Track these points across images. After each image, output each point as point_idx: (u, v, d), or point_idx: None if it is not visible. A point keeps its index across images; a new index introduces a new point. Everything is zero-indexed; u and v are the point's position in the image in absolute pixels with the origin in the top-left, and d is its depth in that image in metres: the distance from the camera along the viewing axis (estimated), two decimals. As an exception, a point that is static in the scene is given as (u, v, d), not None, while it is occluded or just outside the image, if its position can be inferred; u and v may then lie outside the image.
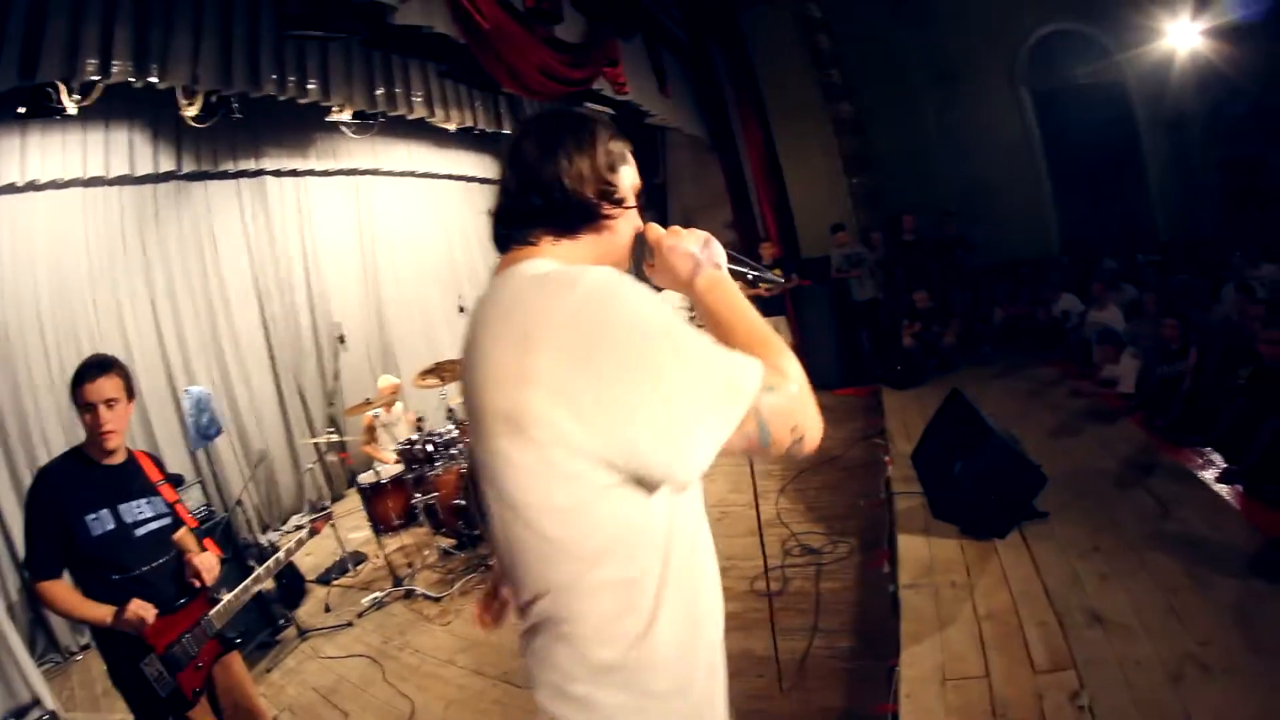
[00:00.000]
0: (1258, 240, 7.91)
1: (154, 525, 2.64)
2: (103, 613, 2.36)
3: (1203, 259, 8.06)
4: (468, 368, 1.19)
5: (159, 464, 2.83)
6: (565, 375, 1.01)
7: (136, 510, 2.60)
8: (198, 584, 2.67)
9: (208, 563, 2.71)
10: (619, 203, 1.29)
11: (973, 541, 3.66)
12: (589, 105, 8.53)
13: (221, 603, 2.76)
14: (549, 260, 1.22)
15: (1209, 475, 3.92)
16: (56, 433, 5.91)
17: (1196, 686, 2.28)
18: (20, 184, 5.80)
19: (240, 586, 2.84)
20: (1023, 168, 10.80)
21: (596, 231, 1.29)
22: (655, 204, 13.09)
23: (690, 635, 1.28)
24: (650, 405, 1.01)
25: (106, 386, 2.51)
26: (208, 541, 2.94)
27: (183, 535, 2.78)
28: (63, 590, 2.42)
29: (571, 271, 1.11)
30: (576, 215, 1.25)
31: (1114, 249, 9.18)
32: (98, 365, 2.54)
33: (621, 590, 1.14)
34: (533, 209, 1.25)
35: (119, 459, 2.65)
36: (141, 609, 2.36)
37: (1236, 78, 8.79)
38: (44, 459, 5.78)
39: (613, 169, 1.29)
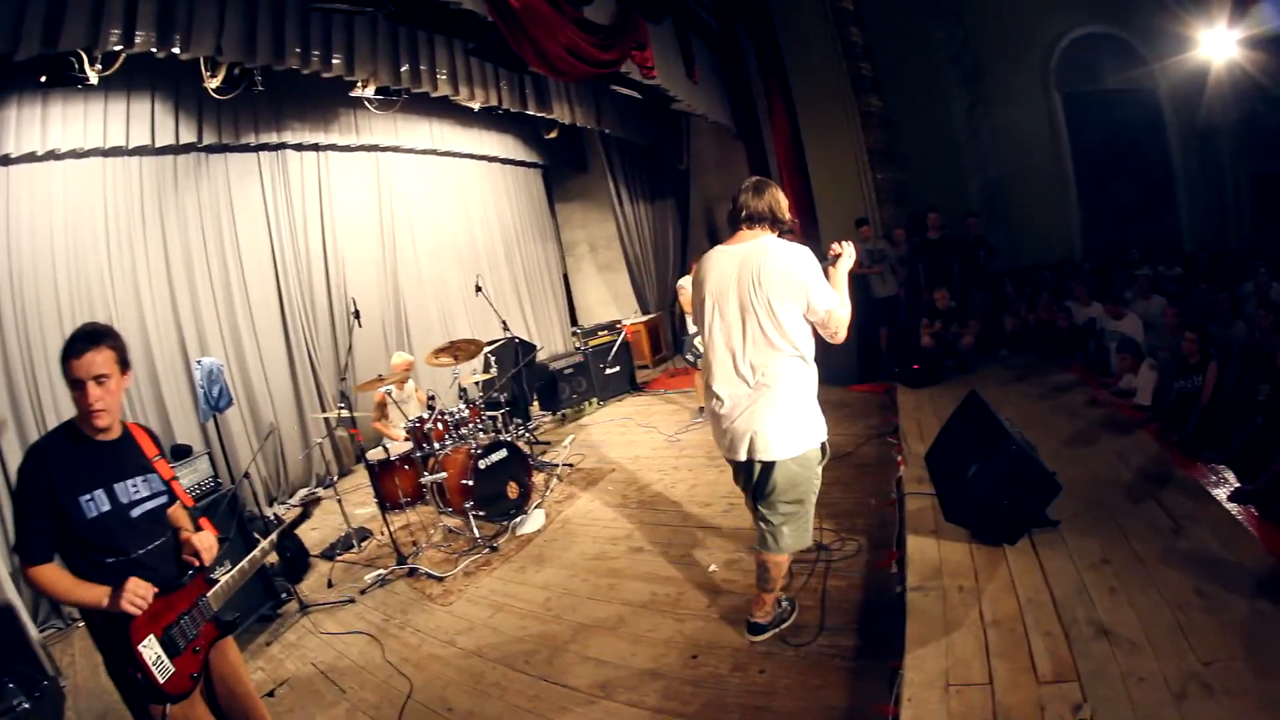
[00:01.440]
0: None
1: (150, 505, 2.50)
2: (98, 594, 2.24)
3: (1227, 273, 7.94)
4: (744, 266, 3.02)
5: (154, 438, 2.69)
6: (796, 277, 2.94)
7: (133, 489, 2.45)
8: (196, 564, 2.59)
9: (206, 542, 2.62)
10: (787, 223, 3.21)
11: (982, 546, 3.63)
12: (615, 88, 8.52)
13: (220, 583, 2.65)
14: (772, 237, 3.14)
15: (1222, 493, 3.86)
16: (68, 399, 5.95)
17: (1199, 706, 2.24)
18: (40, 153, 5.84)
19: (237, 567, 2.73)
20: (1049, 170, 10.73)
21: (781, 230, 3.19)
22: (678, 190, 13.06)
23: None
24: (812, 289, 2.96)
25: (96, 361, 2.32)
26: (204, 521, 2.85)
27: (176, 512, 2.69)
28: (55, 573, 2.27)
29: (790, 243, 3.06)
30: (778, 223, 3.18)
31: (1138, 258, 9.07)
32: (86, 337, 2.35)
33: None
34: (767, 216, 3.15)
35: (114, 434, 2.49)
36: (140, 588, 2.27)
37: (1273, 89, 8.62)
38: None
39: (784, 206, 3.21)
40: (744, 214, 3.16)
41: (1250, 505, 3.65)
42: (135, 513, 2.44)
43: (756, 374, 3.03)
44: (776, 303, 2.95)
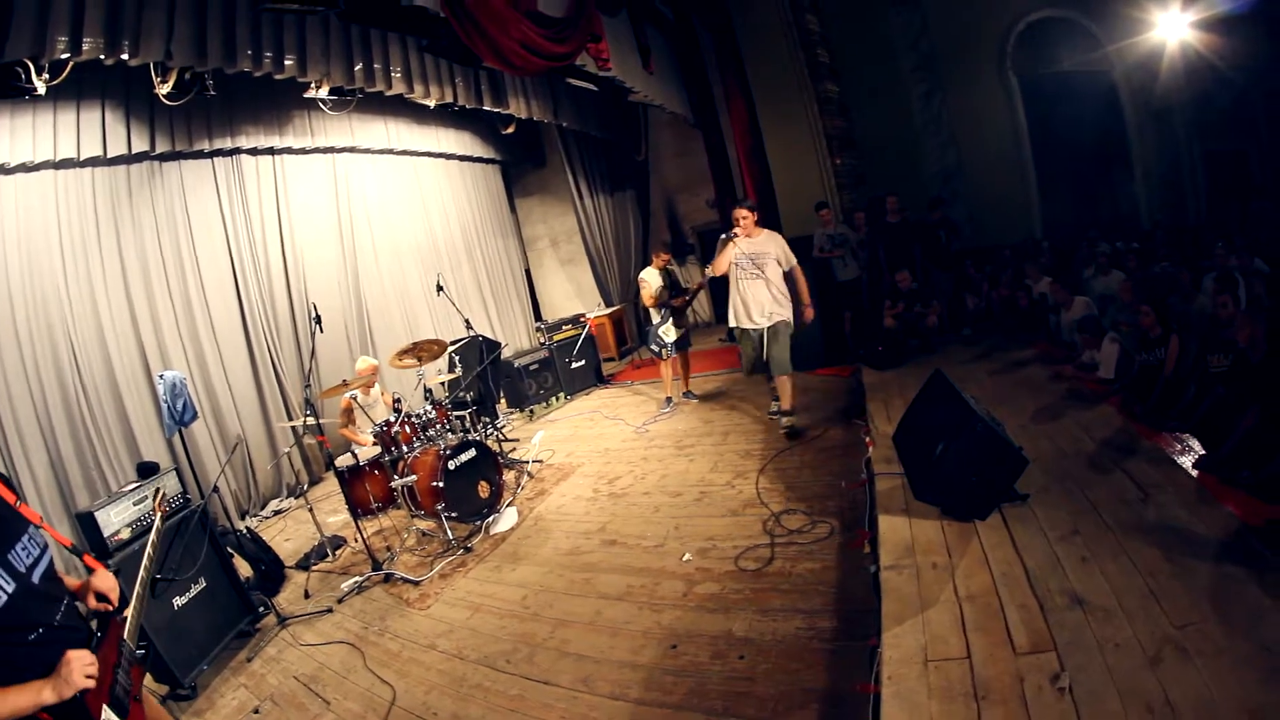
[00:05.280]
0: (1240, 233, 7.98)
1: (44, 562, 2.07)
2: (34, 692, 1.84)
3: (1184, 248, 8.11)
4: (764, 244, 6.17)
5: (6, 482, 2.19)
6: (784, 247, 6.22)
7: (24, 553, 2.01)
8: (108, 608, 2.25)
9: (108, 582, 2.28)
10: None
11: (953, 523, 3.66)
12: (571, 81, 8.48)
13: (129, 620, 2.32)
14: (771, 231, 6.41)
15: (1187, 461, 3.93)
16: (29, 417, 5.82)
17: (1175, 669, 2.27)
18: (-11, 168, 5.69)
19: (135, 596, 2.41)
20: (1008, 152, 10.88)
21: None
22: (638, 182, 13.07)
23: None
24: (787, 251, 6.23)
25: None
26: (88, 558, 2.48)
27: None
28: None
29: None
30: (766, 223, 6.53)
31: (1096, 235, 9.22)
32: None
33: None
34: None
35: None
36: (83, 657, 1.94)
37: (1225, 70, 8.82)
38: (16, 445, 5.70)
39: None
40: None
41: (1215, 472, 3.71)
42: (35, 578, 2.02)
43: None
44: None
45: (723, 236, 6.27)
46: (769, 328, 6.20)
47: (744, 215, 6.14)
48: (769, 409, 6.84)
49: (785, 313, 6.23)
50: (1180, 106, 9.73)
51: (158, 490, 3.56)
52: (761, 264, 6.13)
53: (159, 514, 2.97)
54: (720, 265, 6.25)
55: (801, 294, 6.35)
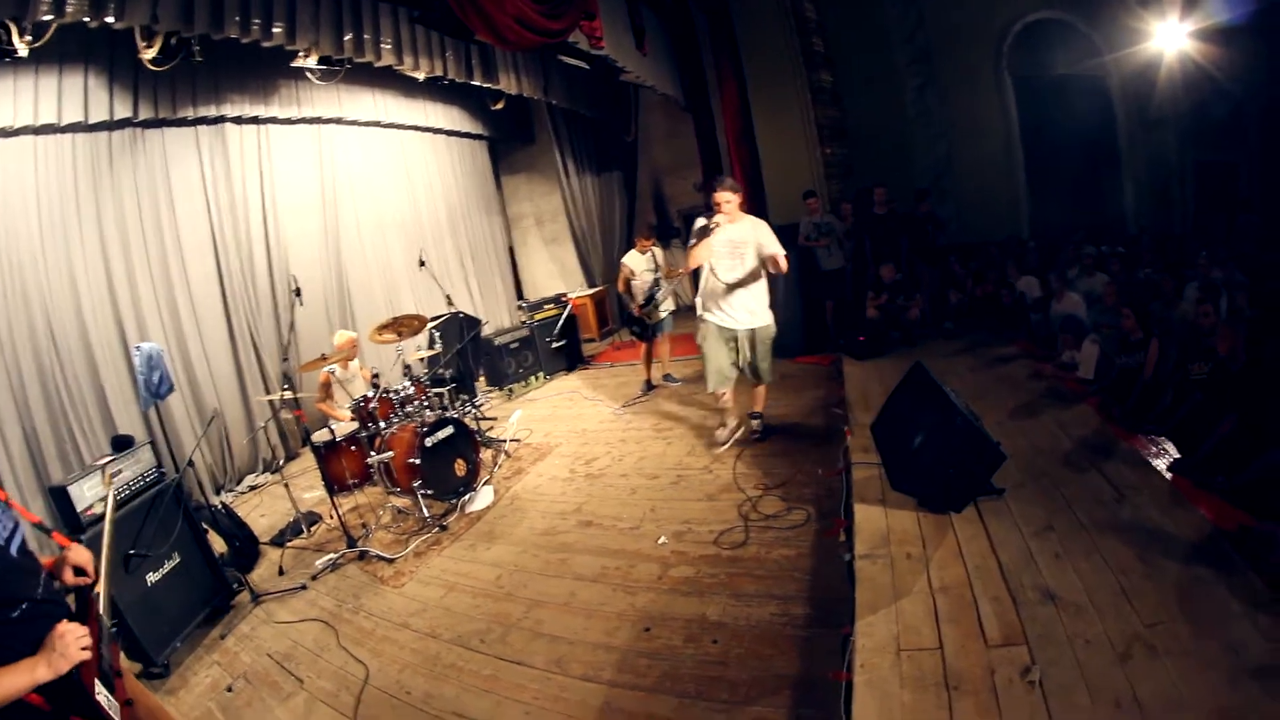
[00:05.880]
0: (1225, 244, 8.05)
1: (18, 536, 2.01)
2: (30, 668, 1.78)
3: (1169, 255, 8.17)
4: (747, 231, 5.32)
5: None
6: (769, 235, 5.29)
7: None
8: (86, 581, 2.19)
9: (85, 555, 2.21)
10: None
11: (929, 514, 3.68)
12: (563, 58, 8.40)
13: (101, 595, 2.26)
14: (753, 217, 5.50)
15: (1162, 464, 3.98)
16: (3, 388, 5.71)
17: (1144, 666, 2.30)
18: (-34, 132, 5.55)
19: (102, 572, 2.34)
20: (998, 151, 10.92)
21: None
22: (626, 162, 13.00)
23: None
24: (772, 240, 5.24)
25: None
26: (56, 535, 2.38)
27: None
28: None
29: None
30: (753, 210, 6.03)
31: (1081, 237, 9.28)
32: None
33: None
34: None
35: None
36: (74, 628, 1.89)
37: (1222, 81, 8.86)
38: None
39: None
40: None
41: (1189, 476, 3.76)
42: (12, 551, 1.97)
43: None
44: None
45: (699, 223, 5.36)
46: (753, 330, 5.48)
47: (727, 199, 5.27)
48: (716, 436, 5.95)
49: (769, 315, 5.53)
50: (1175, 116, 9.77)
51: (104, 468, 3.50)
52: (743, 253, 5.34)
53: (109, 489, 2.89)
54: (697, 259, 5.32)
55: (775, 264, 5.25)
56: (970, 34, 10.70)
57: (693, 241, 5.34)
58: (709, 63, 10.69)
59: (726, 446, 5.79)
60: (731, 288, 5.40)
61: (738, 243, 5.33)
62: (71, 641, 1.85)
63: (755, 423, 5.90)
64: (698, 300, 5.68)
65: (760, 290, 5.47)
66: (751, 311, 5.45)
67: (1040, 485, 3.82)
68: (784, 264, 5.19)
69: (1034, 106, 10.70)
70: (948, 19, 10.80)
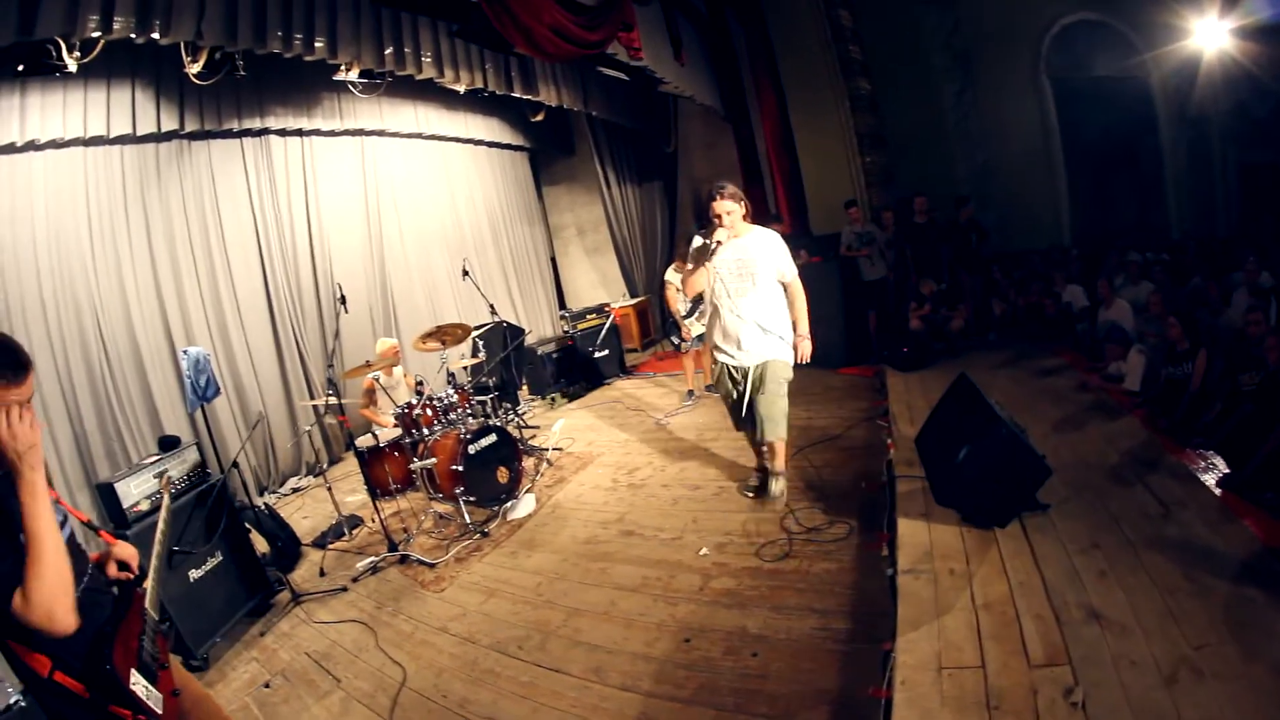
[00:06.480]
0: (1274, 247, 7.84)
1: (64, 530, 1.99)
2: (28, 488, 1.78)
3: (1215, 261, 7.99)
4: (755, 247, 4.52)
5: None
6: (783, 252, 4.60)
7: (56, 513, 1.95)
8: (129, 576, 2.23)
9: (129, 550, 2.27)
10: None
11: (973, 529, 3.64)
12: (602, 69, 8.46)
13: (149, 592, 2.28)
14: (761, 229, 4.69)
15: (1210, 479, 3.89)
16: (54, 391, 5.89)
17: (1190, 690, 2.25)
18: (20, 143, 5.75)
19: (152, 569, 2.36)
20: (1038, 156, 10.75)
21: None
22: (666, 172, 13.02)
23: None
24: (785, 258, 4.59)
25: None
26: (104, 534, 2.40)
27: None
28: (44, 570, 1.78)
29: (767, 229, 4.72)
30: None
31: (1125, 244, 9.11)
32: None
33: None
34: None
35: None
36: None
37: (1265, 79, 8.65)
38: (40, 417, 5.74)
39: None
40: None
41: (1238, 491, 3.67)
42: (66, 534, 1.99)
43: None
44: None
45: (697, 241, 4.59)
46: (758, 367, 4.59)
47: (728, 210, 4.40)
48: (746, 482, 5.21)
49: (782, 347, 4.58)
50: (1217, 116, 9.55)
51: (163, 473, 3.65)
52: (752, 272, 4.48)
53: (165, 493, 2.97)
54: (695, 287, 4.64)
55: (796, 318, 4.65)
56: (1007, 37, 10.56)
57: (689, 265, 4.64)
58: (746, 72, 10.70)
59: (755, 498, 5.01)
60: (740, 315, 4.57)
61: (744, 260, 4.52)
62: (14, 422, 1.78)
63: (775, 485, 4.84)
64: (708, 330, 4.94)
65: (776, 316, 4.59)
66: (763, 342, 4.56)
67: (1085, 500, 3.76)
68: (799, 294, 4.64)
69: (1074, 110, 10.54)
70: (984, 23, 10.67)
